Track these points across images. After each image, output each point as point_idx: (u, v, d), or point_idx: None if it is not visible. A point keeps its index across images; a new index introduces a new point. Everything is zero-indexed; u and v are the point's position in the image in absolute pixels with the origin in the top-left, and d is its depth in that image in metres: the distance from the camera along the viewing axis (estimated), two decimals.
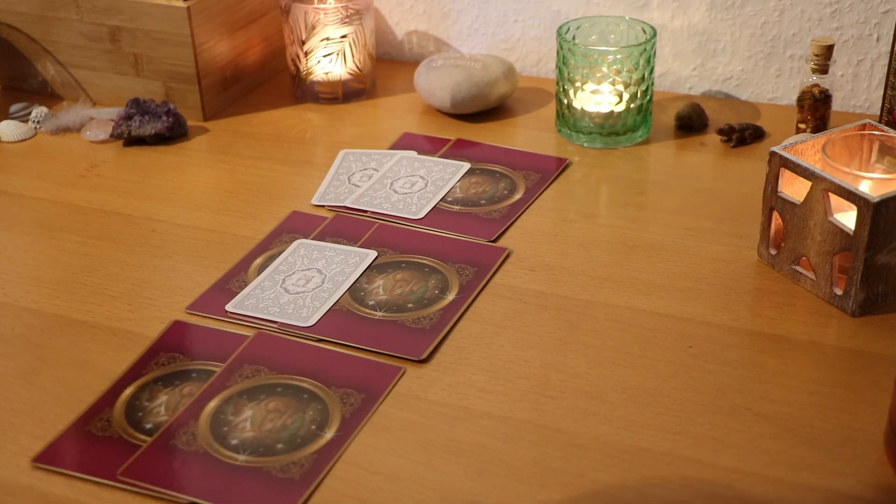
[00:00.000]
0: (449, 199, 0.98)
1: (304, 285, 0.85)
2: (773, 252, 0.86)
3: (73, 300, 0.86)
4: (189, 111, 1.15)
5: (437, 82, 1.13)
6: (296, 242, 0.91)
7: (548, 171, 1.03)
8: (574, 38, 1.08)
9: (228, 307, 0.83)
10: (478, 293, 0.85)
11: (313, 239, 0.92)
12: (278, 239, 0.93)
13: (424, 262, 0.89)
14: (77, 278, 0.89)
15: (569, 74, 1.05)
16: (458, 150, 1.07)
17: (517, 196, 0.99)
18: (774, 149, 0.83)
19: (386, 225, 0.94)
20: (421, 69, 1.16)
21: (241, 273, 0.88)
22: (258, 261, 0.90)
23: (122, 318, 0.84)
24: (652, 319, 0.81)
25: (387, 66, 1.28)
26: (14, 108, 1.17)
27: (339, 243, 0.91)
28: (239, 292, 0.85)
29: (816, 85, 1.03)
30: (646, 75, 1.05)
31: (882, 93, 1.02)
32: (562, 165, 1.04)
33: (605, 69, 1.04)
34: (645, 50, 1.04)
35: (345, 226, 0.94)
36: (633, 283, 0.85)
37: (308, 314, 0.82)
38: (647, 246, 0.90)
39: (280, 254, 0.90)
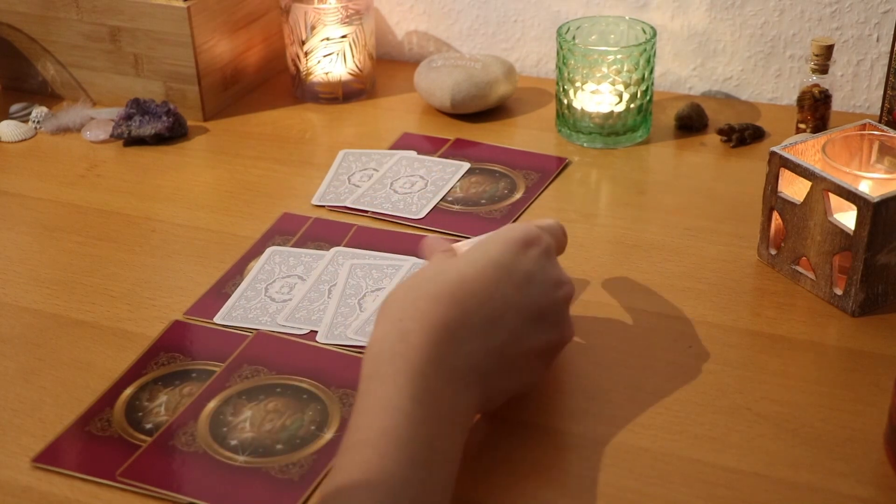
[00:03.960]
0: (449, 198, 0.98)
1: (289, 293, 0.85)
2: (773, 252, 0.86)
3: (73, 300, 0.86)
4: (189, 111, 1.15)
5: (437, 82, 1.13)
6: (269, 250, 0.90)
7: (548, 170, 1.03)
8: (574, 38, 1.08)
9: (217, 319, 0.82)
10: None
11: (293, 245, 0.91)
12: (271, 241, 0.92)
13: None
14: (77, 278, 0.89)
15: (569, 74, 1.05)
16: (457, 149, 1.07)
17: (517, 196, 0.99)
18: (774, 149, 0.83)
19: (364, 228, 0.94)
20: (421, 69, 1.16)
21: (237, 276, 0.88)
22: (252, 263, 0.89)
23: (122, 318, 0.84)
24: (652, 319, 0.81)
25: (387, 66, 1.28)
26: (14, 108, 1.17)
27: (321, 248, 0.90)
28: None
29: (816, 85, 1.03)
30: (646, 75, 1.05)
31: (882, 93, 1.02)
32: (561, 165, 1.04)
33: (605, 69, 1.04)
34: (645, 50, 1.04)
35: (324, 229, 0.94)
36: (633, 283, 0.85)
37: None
38: (647, 246, 0.90)
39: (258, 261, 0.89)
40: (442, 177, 1.02)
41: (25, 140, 1.13)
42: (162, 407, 0.74)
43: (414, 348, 0.60)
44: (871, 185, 0.81)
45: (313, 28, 1.15)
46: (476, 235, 0.92)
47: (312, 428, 0.71)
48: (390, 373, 0.60)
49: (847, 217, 0.79)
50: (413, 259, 0.87)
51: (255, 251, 0.91)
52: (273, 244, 0.92)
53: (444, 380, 0.60)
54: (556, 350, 0.70)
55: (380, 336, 0.62)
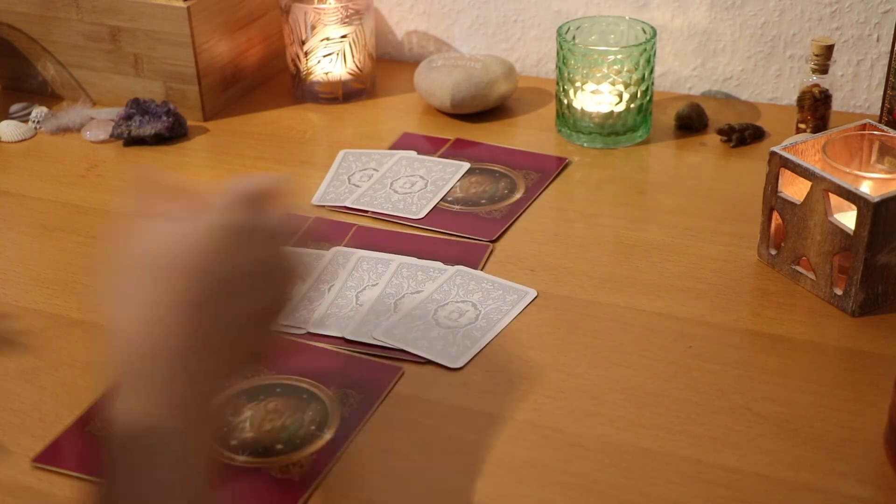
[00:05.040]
0: (449, 198, 0.98)
1: None
2: (773, 252, 0.86)
3: (73, 300, 0.86)
4: (189, 111, 1.15)
5: (437, 82, 1.13)
6: None
7: (548, 170, 1.03)
8: (574, 38, 1.08)
9: None
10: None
11: (293, 245, 0.91)
12: None
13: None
14: (77, 278, 0.89)
15: (569, 74, 1.05)
16: (457, 149, 1.07)
17: (517, 195, 0.98)
18: (774, 149, 0.83)
19: (364, 228, 0.94)
20: (421, 69, 1.16)
21: None
22: None
23: None
24: (652, 319, 0.81)
25: (387, 66, 1.28)
26: (14, 108, 1.17)
27: (321, 248, 0.90)
28: None
29: (816, 85, 1.03)
30: (646, 75, 1.05)
31: (882, 93, 1.02)
32: (561, 165, 1.04)
33: (605, 69, 1.04)
34: (645, 50, 1.04)
35: (324, 229, 0.94)
36: (633, 283, 0.85)
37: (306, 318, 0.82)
38: (647, 246, 0.90)
39: None
40: (442, 177, 1.01)
41: (25, 140, 1.13)
42: None
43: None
44: (871, 185, 0.81)
45: (313, 28, 1.15)
46: (476, 235, 0.92)
47: (312, 428, 0.71)
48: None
49: (847, 217, 0.79)
50: (457, 267, 0.87)
51: None
52: None
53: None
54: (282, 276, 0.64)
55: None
